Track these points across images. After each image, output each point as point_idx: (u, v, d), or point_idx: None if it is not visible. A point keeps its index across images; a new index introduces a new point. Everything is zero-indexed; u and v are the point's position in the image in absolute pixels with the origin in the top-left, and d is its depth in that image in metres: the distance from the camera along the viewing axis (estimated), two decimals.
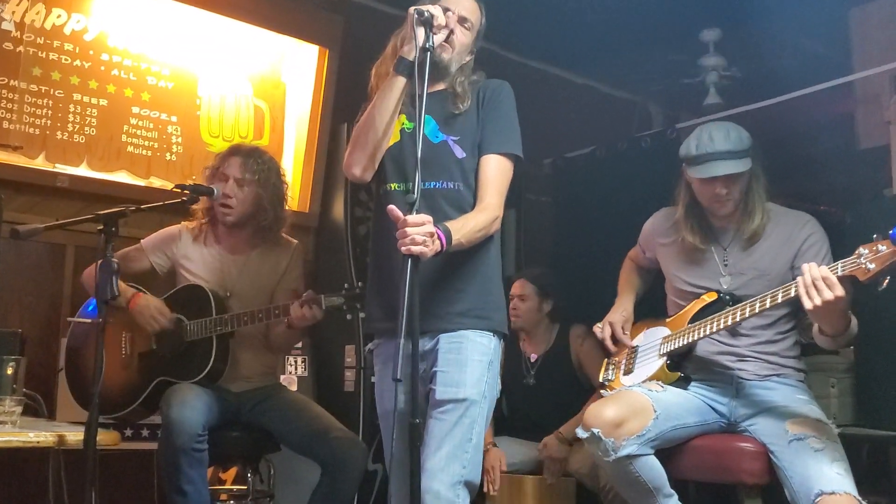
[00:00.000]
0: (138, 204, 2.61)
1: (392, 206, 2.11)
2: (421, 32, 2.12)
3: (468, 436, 2.23)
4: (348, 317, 2.86)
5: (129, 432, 3.55)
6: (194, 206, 3.12)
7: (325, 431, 2.98)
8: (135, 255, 3.19)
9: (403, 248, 2.02)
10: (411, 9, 2.15)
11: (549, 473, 3.48)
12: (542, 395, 3.72)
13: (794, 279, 2.37)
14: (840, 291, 2.23)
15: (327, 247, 4.23)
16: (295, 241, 3.31)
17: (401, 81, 2.22)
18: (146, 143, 3.82)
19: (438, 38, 2.19)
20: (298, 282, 3.23)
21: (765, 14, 4.67)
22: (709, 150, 2.64)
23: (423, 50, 2.10)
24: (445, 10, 2.26)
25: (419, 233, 2.03)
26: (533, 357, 3.83)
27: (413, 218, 2.04)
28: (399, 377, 1.99)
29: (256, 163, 3.13)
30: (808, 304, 2.27)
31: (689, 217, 2.79)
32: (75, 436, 2.29)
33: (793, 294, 2.36)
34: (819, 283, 2.24)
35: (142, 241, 3.21)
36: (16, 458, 3.12)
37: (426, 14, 2.13)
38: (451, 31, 2.29)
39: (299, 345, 4.02)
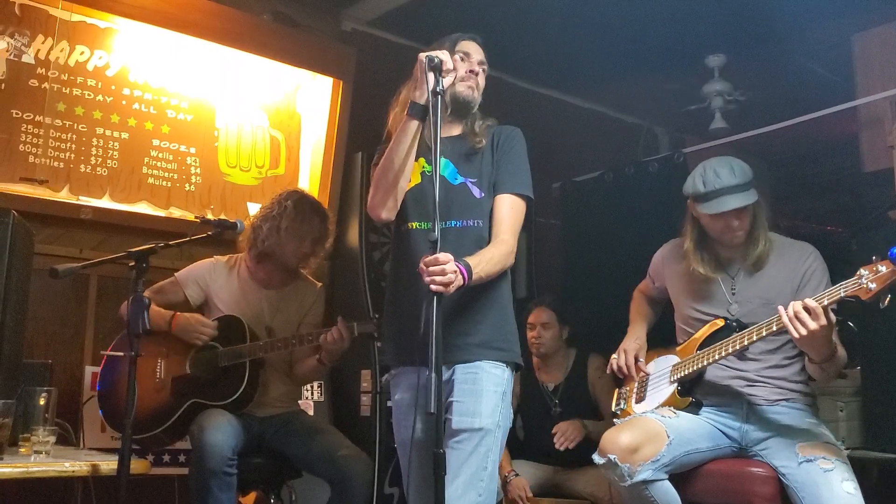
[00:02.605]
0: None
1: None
2: (431, 77, 2.22)
3: (484, 464, 2.30)
4: (378, 344, 2.98)
5: (150, 457, 3.61)
6: (240, 239, 3.28)
7: (333, 450, 3.09)
8: (169, 287, 3.31)
9: (434, 286, 2.09)
10: (421, 55, 2.26)
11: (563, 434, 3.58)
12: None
13: None
14: (824, 321, 2.38)
15: (342, 272, 4.30)
16: (319, 283, 3.47)
17: (414, 124, 2.33)
18: (166, 174, 3.91)
19: (447, 81, 2.29)
20: (319, 319, 3.38)
21: (768, 40, 4.76)
22: (717, 186, 2.75)
23: (434, 94, 2.20)
24: (463, 54, 2.41)
25: (446, 270, 2.10)
26: (552, 385, 3.86)
27: (440, 256, 2.12)
28: (433, 410, 2.02)
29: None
30: (794, 334, 2.41)
31: (699, 250, 2.89)
32: (108, 465, 2.37)
33: None
34: (802, 314, 2.39)
35: (176, 274, 3.33)
36: (40, 484, 3.18)
37: (436, 60, 2.23)
38: (476, 74, 2.44)
39: None
